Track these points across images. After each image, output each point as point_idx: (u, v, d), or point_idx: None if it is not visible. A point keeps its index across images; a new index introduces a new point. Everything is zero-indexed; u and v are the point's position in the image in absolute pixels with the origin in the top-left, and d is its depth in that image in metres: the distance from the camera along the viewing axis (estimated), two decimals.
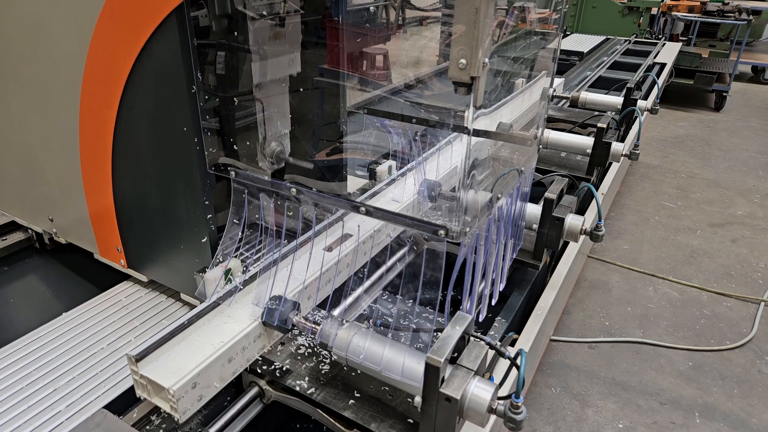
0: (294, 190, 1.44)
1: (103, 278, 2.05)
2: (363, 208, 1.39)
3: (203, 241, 1.61)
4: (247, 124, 1.72)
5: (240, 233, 1.57)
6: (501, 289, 1.82)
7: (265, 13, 1.61)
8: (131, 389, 1.33)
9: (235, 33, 1.59)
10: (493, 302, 1.74)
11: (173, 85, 1.43)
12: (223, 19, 1.60)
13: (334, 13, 1.87)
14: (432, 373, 1.13)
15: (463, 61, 1.08)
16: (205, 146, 1.51)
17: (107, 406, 1.43)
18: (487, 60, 1.10)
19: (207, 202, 1.56)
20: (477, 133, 1.28)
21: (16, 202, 2.20)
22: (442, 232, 1.27)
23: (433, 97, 2.21)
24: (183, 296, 1.85)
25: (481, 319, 1.70)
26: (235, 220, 1.54)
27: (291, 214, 1.65)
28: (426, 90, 2.26)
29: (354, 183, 2.22)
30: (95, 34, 1.51)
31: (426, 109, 2.11)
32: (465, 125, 1.20)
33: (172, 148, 1.53)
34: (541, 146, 2.75)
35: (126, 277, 2.01)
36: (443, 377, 1.14)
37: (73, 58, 1.59)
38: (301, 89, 1.92)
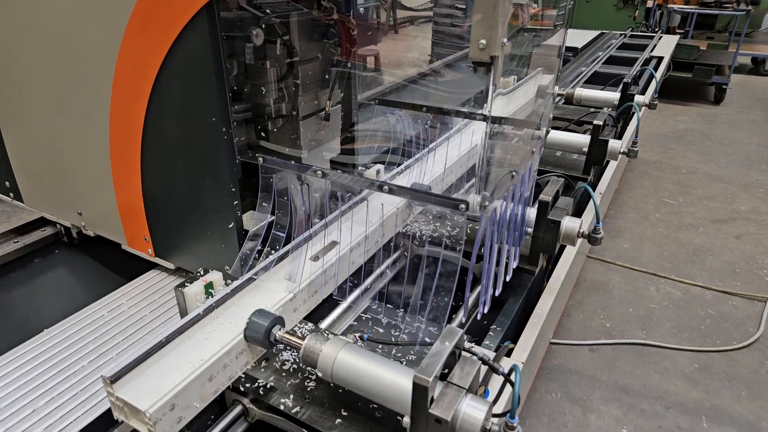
0: (320, 173, 1.53)
1: (130, 268, 2.11)
2: (386, 187, 1.47)
3: (230, 226, 1.66)
4: (274, 112, 1.79)
5: (269, 216, 1.68)
6: (496, 295, 1.75)
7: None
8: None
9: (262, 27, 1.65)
10: (485, 310, 1.67)
11: (203, 77, 1.48)
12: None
13: (345, 9, 1.95)
14: (420, 392, 1.06)
15: (483, 41, 1.14)
16: (233, 134, 1.56)
17: (84, 430, 1.39)
18: (506, 39, 1.17)
19: (234, 189, 1.61)
20: (495, 119, 1.37)
21: (45, 199, 2.22)
22: (463, 206, 1.34)
23: (448, 84, 2.34)
24: None
25: (497, 294, 1.74)
26: (264, 203, 1.67)
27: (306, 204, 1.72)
28: (439, 77, 2.36)
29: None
30: (127, 31, 1.54)
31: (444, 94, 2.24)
32: (485, 105, 1.28)
33: (200, 137, 1.58)
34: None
35: (153, 265, 2.07)
36: (432, 397, 1.07)
37: (105, 55, 1.62)
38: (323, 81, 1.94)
